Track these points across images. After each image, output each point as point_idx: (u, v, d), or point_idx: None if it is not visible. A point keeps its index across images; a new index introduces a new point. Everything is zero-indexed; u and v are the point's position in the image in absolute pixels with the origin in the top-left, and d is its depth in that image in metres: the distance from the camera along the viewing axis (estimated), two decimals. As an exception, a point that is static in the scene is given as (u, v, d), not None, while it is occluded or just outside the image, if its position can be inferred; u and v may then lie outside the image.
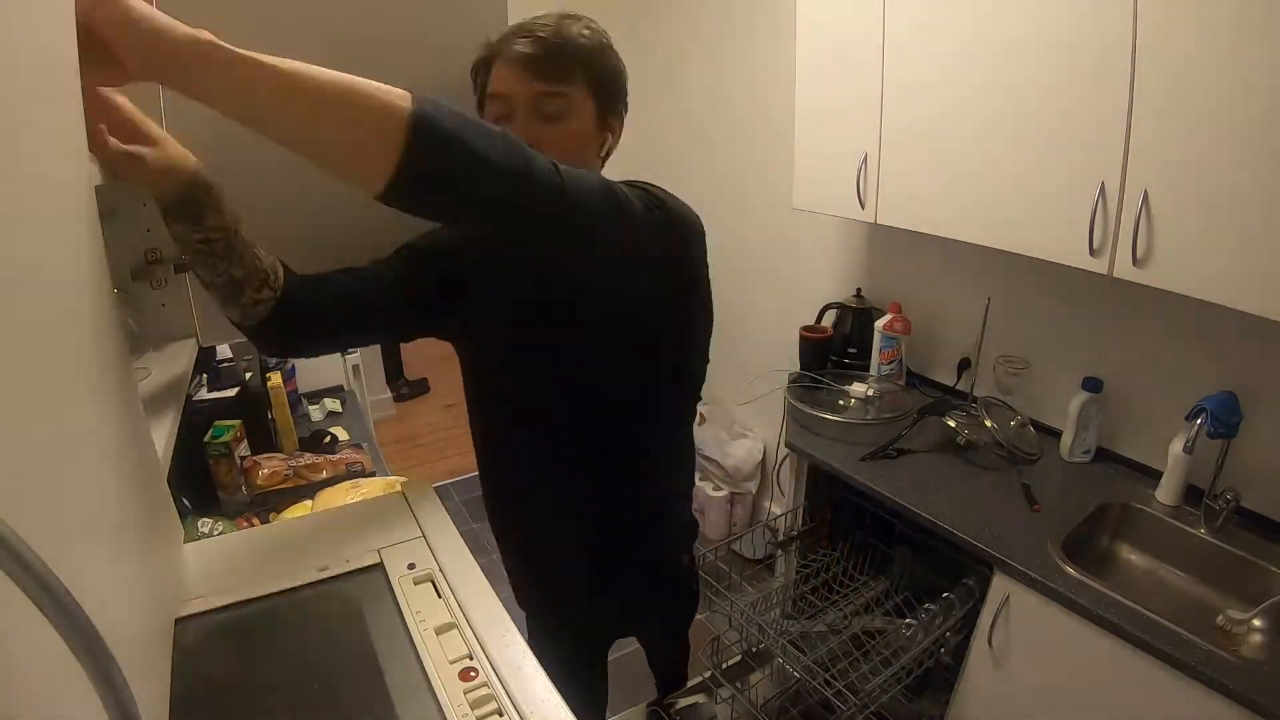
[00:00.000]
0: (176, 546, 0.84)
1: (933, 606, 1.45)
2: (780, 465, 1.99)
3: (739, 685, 1.64)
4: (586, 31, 0.93)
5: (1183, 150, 1.19)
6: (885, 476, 1.65)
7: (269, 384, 1.88)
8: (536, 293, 0.97)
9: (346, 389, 2.42)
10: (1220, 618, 1.29)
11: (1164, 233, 1.24)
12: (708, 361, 1.11)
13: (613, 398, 1.01)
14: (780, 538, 1.87)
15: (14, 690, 0.33)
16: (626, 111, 1.00)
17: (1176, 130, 1.19)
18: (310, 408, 2.20)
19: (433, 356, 4.76)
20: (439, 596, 0.79)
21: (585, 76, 0.92)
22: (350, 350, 2.46)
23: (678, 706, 1.60)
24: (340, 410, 2.25)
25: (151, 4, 0.55)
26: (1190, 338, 1.52)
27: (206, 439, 1.60)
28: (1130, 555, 1.53)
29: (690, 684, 1.67)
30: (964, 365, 2.00)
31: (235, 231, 0.79)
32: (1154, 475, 1.56)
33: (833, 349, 2.19)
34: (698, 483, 2.72)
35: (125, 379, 0.68)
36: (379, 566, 0.84)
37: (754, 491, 2.76)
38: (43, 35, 0.48)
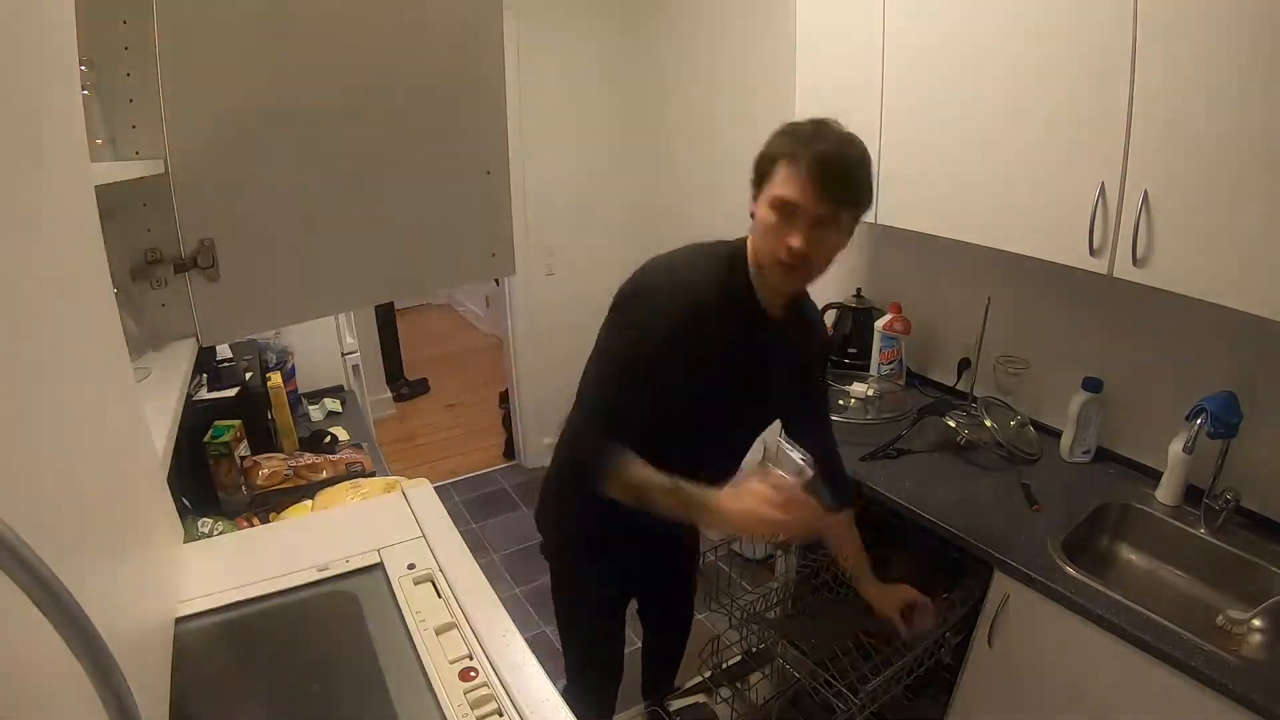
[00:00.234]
0: (176, 546, 0.84)
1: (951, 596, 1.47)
2: (780, 465, 1.99)
3: (739, 685, 1.64)
4: (865, 161, 1.08)
5: (1183, 150, 1.19)
6: (885, 476, 1.65)
7: (269, 384, 1.88)
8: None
9: (346, 389, 2.41)
10: (1220, 618, 1.29)
11: (1164, 233, 1.24)
12: None
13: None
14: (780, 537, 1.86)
15: (14, 690, 0.33)
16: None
17: (1176, 130, 1.19)
18: (310, 408, 2.20)
19: (433, 356, 4.76)
20: (439, 596, 0.79)
21: (863, 204, 1.09)
22: (349, 351, 2.47)
23: (678, 706, 1.60)
24: (340, 410, 2.25)
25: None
26: (1190, 338, 1.52)
27: (206, 439, 1.60)
28: (1130, 555, 1.53)
29: (690, 684, 1.67)
30: (964, 365, 2.00)
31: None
32: (1154, 475, 1.56)
33: (833, 349, 2.19)
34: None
35: (125, 379, 0.68)
36: (379, 566, 0.84)
37: (754, 491, 2.76)
38: (43, 36, 0.48)
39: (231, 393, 1.76)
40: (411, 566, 0.83)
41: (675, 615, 1.73)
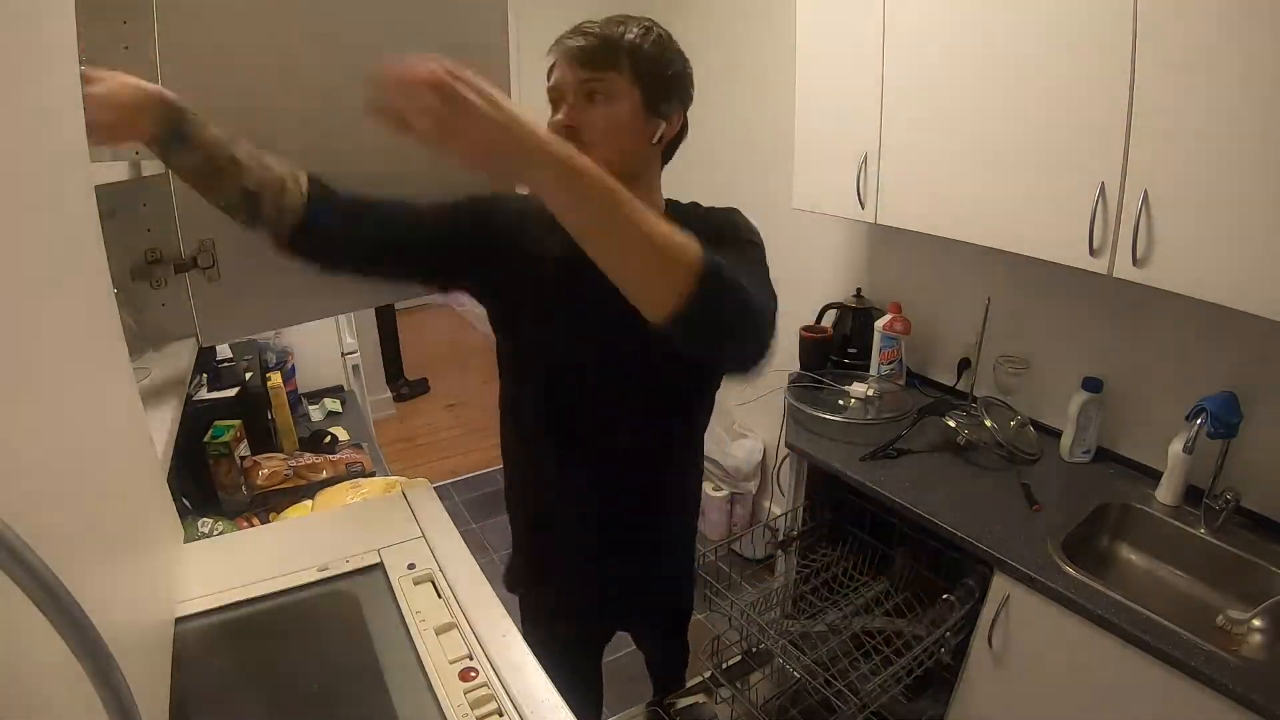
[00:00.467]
0: (176, 546, 0.84)
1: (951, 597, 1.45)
2: (780, 465, 1.99)
3: (739, 685, 1.64)
4: (636, 29, 1.03)
5: (1183, 150, 1.19)
6: (885, 476, 1.65)
7: (269, 384, 1.88)
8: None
9: (346, 389, 2.42)
10: (1220, 618, 1.29)
11: (1164, 233, 1.24)
12: None
13: (649, 390, 1.05)
14: (780, 538, 1.86)
15: (14, 690, 0.33)
16: (689, 104, 1.09)
17: (1176, 130, 1.19)
18: (310, 408, 2.20)
19: (433, 356, 4.76)
20: (439, 596, 0.79)
21: (630, 64, 1.00)
22: (349, 351, 2.47)
23: (678, 707, 1.60)
24: (340, 410, 2.25)
25: None
26: (1190, 338, 1.52)
27: (206, 439, 1.60)
28: (1130, 555, 1.53)
29: (690, 684, 1.67)
30: (964, 365, 2.00)
31: (233, 142, 0.84)
32: (1154, 475, 1.56)
33: (833, 349, 2.19)
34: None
35: (125, 379, 0.68)
36: (379, 566, 0.84)
37: (754, 492, 2.77)
38: (43, 35, 0.48)
39: (231, 393, 1.76)
40: (411, 566, 0.83)
41: (670, 656, 1.53)
